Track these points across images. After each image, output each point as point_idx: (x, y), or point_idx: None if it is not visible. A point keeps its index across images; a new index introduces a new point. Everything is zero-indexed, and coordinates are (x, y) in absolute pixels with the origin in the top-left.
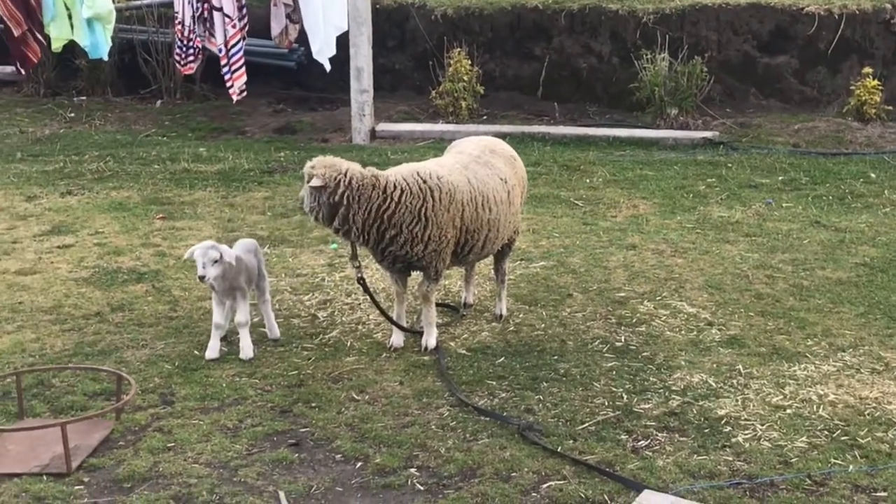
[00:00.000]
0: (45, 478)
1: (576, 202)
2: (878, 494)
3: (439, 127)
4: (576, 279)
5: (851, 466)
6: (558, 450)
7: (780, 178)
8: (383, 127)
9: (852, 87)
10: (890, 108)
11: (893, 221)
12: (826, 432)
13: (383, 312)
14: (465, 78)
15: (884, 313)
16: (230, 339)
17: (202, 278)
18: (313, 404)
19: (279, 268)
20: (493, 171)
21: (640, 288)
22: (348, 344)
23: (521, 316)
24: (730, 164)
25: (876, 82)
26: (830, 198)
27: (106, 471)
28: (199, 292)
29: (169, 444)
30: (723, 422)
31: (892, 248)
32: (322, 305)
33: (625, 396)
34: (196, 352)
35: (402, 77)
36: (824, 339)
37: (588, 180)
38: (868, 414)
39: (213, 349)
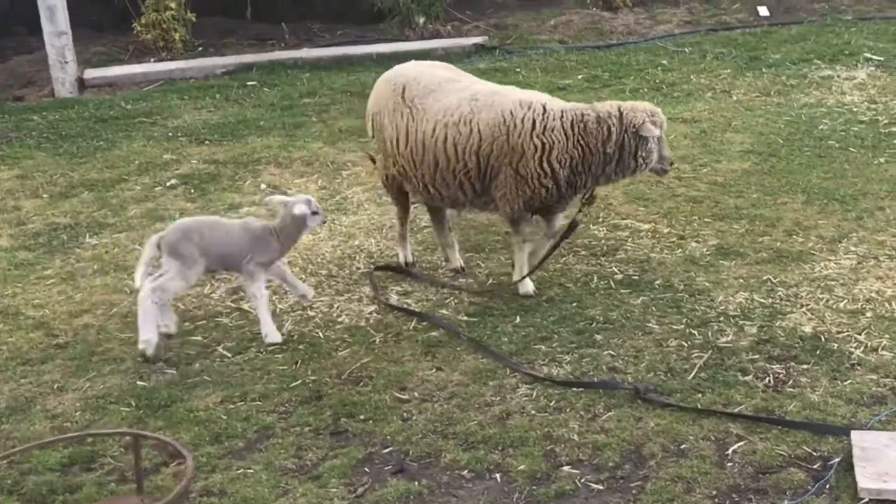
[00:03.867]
0: None
1: None
2: None
3: (166, 66)
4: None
5: None
6: (697, 407)
7: (580, 76)
8: (93, 74)
9: None
10: None
11: (728, 105)
12: None
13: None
14: (173, 6)
15: (827, 197)
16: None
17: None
18: (361, 416)
19: (131, 259)
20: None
21: (568, 212)
22: (321, 336)
23: (481, 265)
24: (518, 69)
25: None
26: (646, 90)
27: None
28: (63, 306)
29: None
30: (822, 339)
31: (756, 131)
32: (235, 295)
33: (695, 333)
34: (140, 382)
35: (71, 14)
36: (807, 234)
37: None
38: None
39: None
